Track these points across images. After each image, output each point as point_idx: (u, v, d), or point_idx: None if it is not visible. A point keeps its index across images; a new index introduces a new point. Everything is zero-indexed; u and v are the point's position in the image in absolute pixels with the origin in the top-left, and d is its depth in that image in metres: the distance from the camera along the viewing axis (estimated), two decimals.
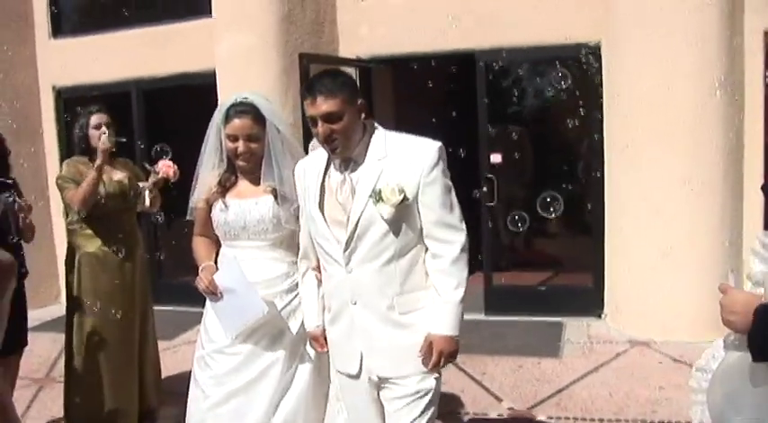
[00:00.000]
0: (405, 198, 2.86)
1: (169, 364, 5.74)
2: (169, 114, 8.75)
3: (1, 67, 8.85)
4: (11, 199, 4.67)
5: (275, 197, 3.51)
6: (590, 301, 7.13)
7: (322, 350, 3.27)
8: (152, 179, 4.84)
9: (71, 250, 4.90)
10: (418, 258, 2.98)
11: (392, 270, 2.95)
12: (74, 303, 4.85)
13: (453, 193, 2.97)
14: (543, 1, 6.93)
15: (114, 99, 9.12)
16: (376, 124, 3.05)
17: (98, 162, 4.62)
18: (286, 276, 3.54)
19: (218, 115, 3.54)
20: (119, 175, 4.86)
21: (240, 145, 3.46)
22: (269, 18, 7.21)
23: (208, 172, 3.61)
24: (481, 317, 7.36)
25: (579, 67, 6.97)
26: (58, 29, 9.31)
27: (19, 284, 4.77)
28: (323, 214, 3.05)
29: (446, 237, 2.93)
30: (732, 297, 2.19)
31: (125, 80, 8.72)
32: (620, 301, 6.87)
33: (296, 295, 3.50)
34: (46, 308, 8.33)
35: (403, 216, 2.90)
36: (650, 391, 5.34)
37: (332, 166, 3.08)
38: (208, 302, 3.59)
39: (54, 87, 9.28)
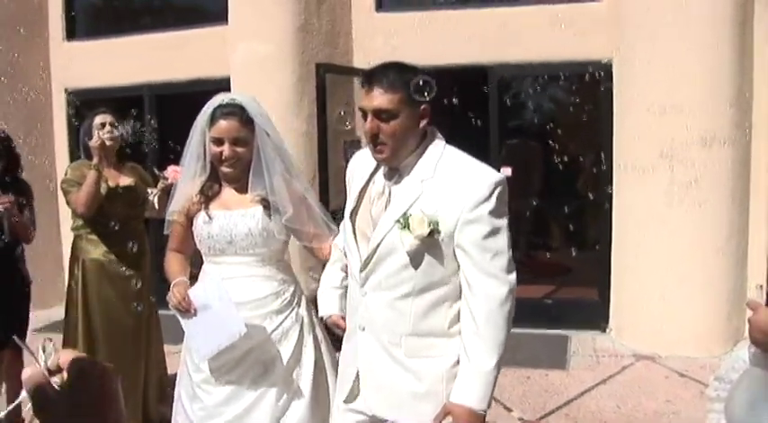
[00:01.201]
0: (434, 231, 2.48)
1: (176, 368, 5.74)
2: (182, 120, 8.68)
3: (14, 70, 8.90)
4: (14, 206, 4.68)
5: (264, 208, 3.25)
6: (595, 315, 7.20)
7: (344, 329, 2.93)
8: (161, 185, 4.64)
9: (75, 255, 4.84)
10: (444, 301, 2.58)
11: (406, 307, 2.58)
12: (75, 310, 4.75)
13: (503, 238, 2.51)
14: (557, 18, 7.01)
15: (127, 103, 9.23)
16: (439, 136, 2.67)
17: (95, 160, 4.53)
18: (276, 296, 3.28)
19: (202, 117, 3.27)
20: (126, 181, 4.80)
21: (226, 149, 3.19)
22: (285, 27, 7.28)
23: (188, 181, 3.34)
24: None
25: (590, 84, 7.06)
26: (72, 32, 9.37)
27: (22, 287, 4.96)
28: (353, 223, 2.75)
29: (483, 288, 2.50)
30: (761, 316, 2.15)
31: (138, 84, 8.78)
32: (625, 316, 6.93)
33: (287, 316, 3.27)
34: (53, 308, 8.31)
35: (430, 251, 2.52)
36: (657, 404, 5.40)
37: (379, 171, 2.73)
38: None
39: (66, 90, 9.33)
